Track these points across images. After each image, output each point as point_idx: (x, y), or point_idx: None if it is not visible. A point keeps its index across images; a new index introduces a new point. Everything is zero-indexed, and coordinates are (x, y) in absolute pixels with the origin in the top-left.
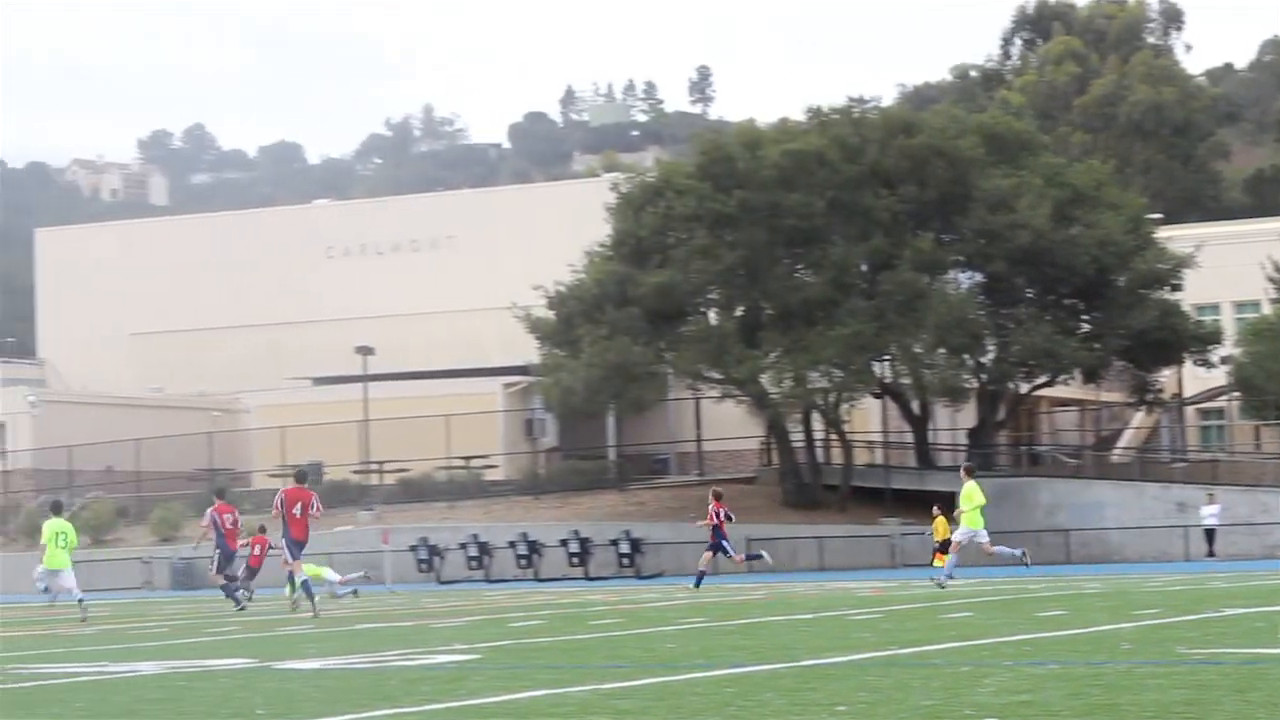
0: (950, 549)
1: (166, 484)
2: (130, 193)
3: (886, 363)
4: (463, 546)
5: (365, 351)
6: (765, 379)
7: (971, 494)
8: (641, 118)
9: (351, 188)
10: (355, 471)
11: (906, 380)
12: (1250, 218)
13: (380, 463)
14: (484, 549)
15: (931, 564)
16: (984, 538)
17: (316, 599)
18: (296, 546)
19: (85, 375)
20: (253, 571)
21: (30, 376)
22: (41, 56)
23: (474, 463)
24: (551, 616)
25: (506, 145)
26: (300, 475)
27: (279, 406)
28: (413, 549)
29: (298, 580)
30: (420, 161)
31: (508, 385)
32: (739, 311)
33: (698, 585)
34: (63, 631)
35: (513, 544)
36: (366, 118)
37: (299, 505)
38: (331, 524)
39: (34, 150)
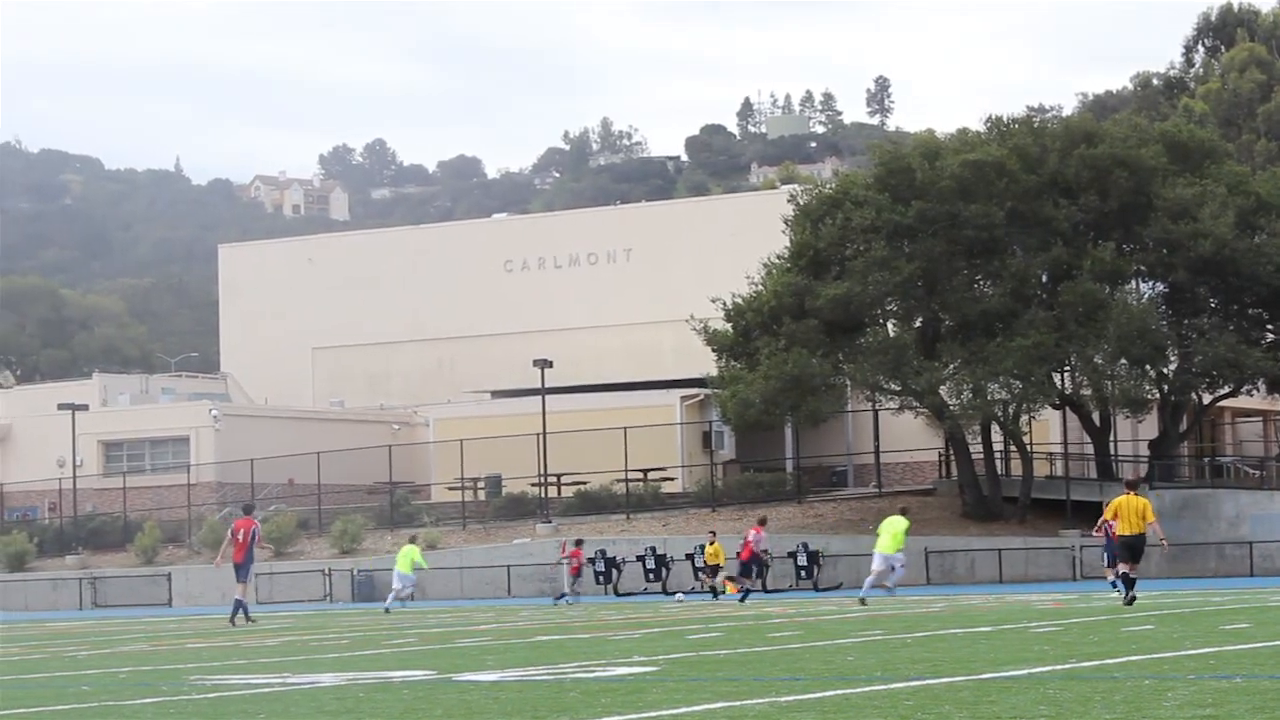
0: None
1: (347, 497)
2: (311, 208)
3: (1066, 373)
4: (640, 559)
5: (543, 364)
6: (944, 390)
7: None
8: (819, 129)
9: (529, 201)
10: (533, 484)
11: (1087, 391)
12: None
13: (558, 475)
14: (661, 561)
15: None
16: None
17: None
18: (239, 570)
19: (267, 389)
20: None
21: (213, 391)
22: (225, 73)
23: (651, 475)
24: (729, 629)
25: (684, 158)
26: (247, 508)
27: (457, 420)
28: (590, 561)
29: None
30: (598, 175)
31: (685, 398)
32: (917, 323)
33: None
34: (245, 643)
35: (690, 556)
36: (544, 132)
37: (241, 532)
38: (510, 536)
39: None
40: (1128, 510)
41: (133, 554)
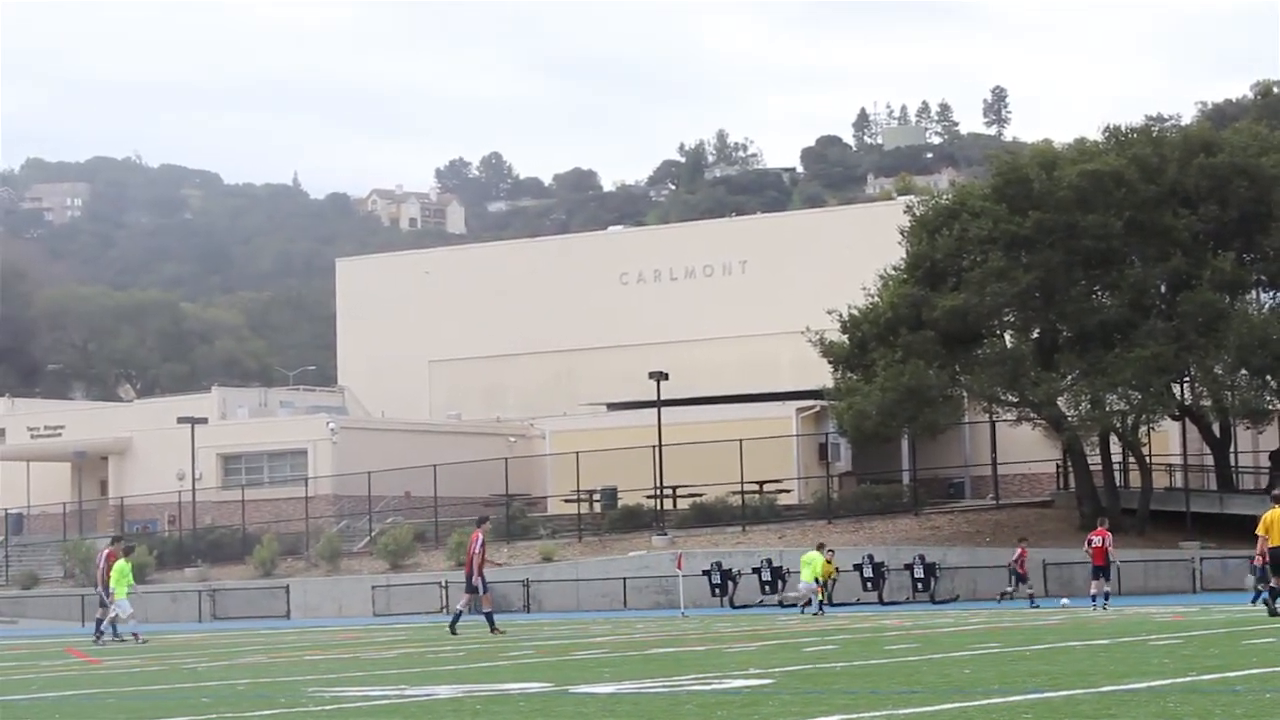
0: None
1: (463, 509)
2: (428, 221)
3: (1186, 384)
4: (755, 571)
5: (659, 377)
6: (1062, 401)
7: None
8: (936, 140)
9: (645, 214)
10: (649, 496)
11: (1206, 402)
12: None
13: (674, 487)
14: (777, 574)
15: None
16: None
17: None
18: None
19: (384, 402)
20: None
21: (331, 404)
22: (341, 87)
23: (767, 487)
24: (845, 641)
25: (799, 169)
26: (114, 539)
27: (573, 432)
28: (705, 573)
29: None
30: (713, 187)
31: (801, 409)
32: (1035, 334)
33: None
34: (365, 655)
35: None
36: (660, 144)
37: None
38: (625, 548)
39: (335, 181)
40: (1273, 523)
41: (251, 566)
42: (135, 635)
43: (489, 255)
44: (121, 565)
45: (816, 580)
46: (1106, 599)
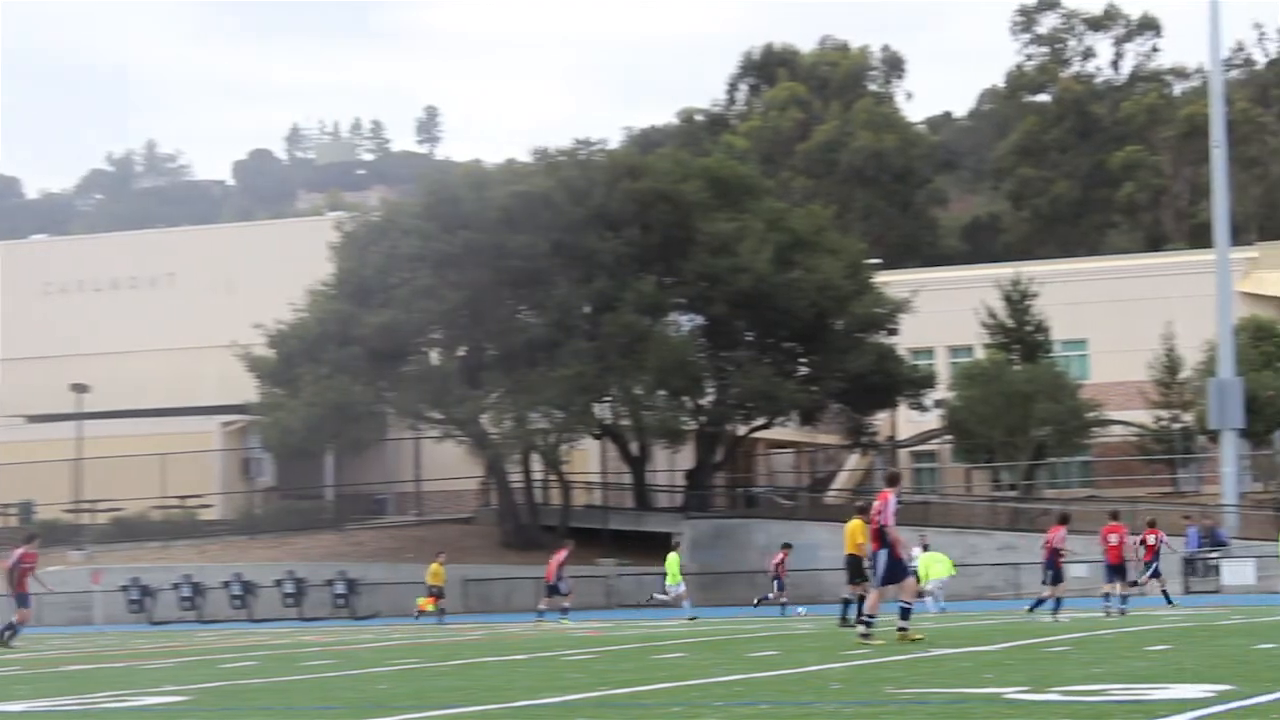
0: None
1: None
2: None
3: (607, 404)
4: (175, 586)
5: (80, 389)
6: (486, 419)
7: None
8: (368, 156)
9: (71, 223)
10: (67, 510)
11: (626, 422)
12: (966, 264)
13: (93, 502)
14: (197, 589)
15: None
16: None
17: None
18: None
19: None
20: None
21: None
22: None
23: (189, 502)
24: (264, 658)
25: (231, 182)
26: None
27: None
28: (124, 589)
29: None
30: (142, 198)
31: (226, 424)
32: (461, 352)
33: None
34: None
35: (227, 584)
36: (88, 153)
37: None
38: (43, 564)
39: None
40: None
41: None
42: None
43: None
44: None
45: (681, 581)
46: (1124, 600)
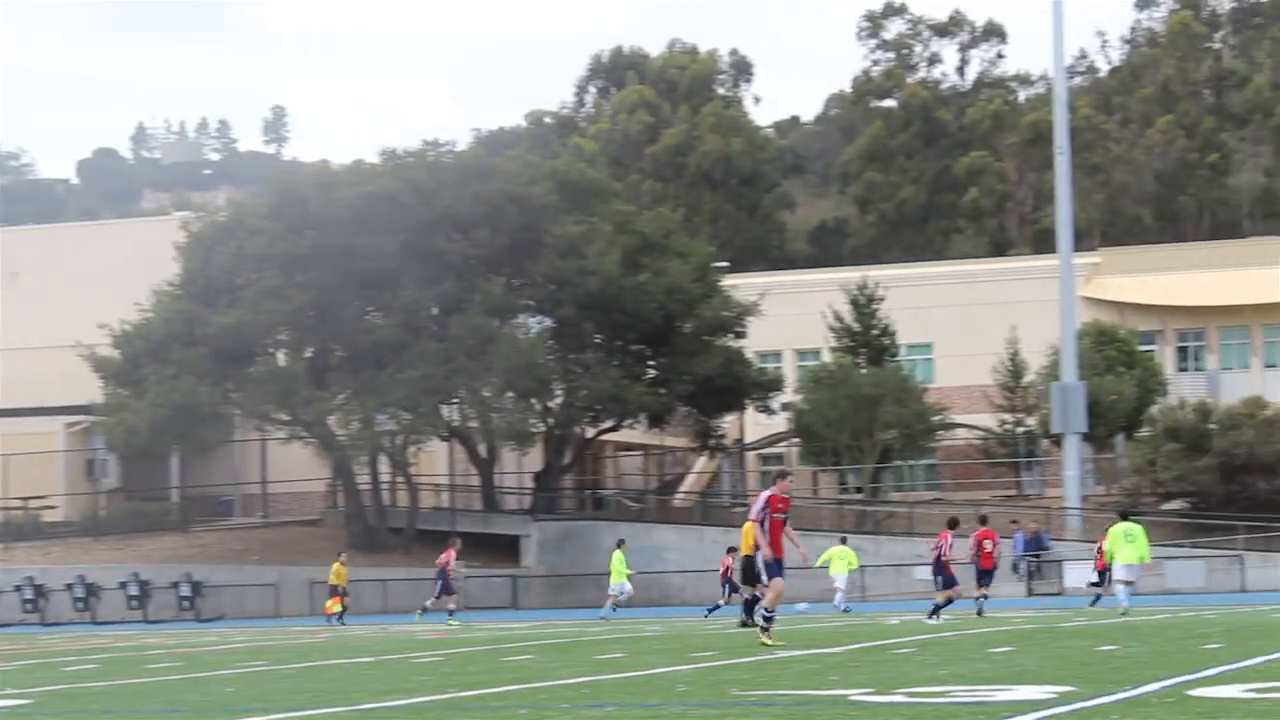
0: None
1: None
2: None
3: (455, 406)
4: (17, 589)
5: None
6: (332, 421)
7: None
8: (214, 156)
9: None
10: None
11: (474, 424)
12: (812, 268)
13: None
14: (40, 592)
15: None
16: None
17: None
18: None
19: None
20: None
21: None
22: None
23: (32, 503)
24: (108, 660)
25: (75, 181)
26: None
27: None
28: None
29: None
30: None
31: (70, 425)
32: (308, 353)
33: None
34: None
35: (70, 586)
36: None
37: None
38: None
39: None
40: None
41: None
42: None
43: None
44: None
45: (627, 580)
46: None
